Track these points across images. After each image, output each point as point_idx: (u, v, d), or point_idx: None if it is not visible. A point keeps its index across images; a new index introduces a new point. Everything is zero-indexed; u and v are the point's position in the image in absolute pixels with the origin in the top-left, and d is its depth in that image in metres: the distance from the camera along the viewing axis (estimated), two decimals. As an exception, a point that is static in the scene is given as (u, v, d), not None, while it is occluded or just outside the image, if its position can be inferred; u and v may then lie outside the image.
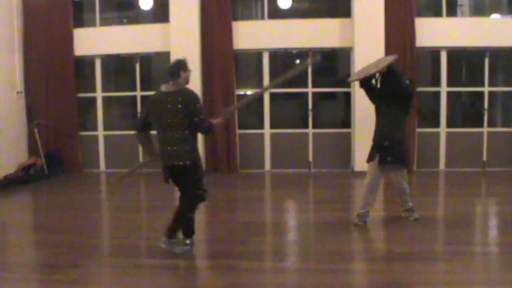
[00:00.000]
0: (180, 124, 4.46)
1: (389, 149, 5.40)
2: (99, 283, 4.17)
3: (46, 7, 9.60)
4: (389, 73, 5.35)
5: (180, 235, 4.74)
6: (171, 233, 4.71)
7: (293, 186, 8.45)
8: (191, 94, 4.55)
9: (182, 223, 4.65)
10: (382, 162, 5.44)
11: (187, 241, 4.67)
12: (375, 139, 5.57)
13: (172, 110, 4.45)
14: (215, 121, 4.69)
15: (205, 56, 9.34)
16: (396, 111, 5.43)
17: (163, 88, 4.58)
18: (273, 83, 5.61)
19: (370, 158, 5.57)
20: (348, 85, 9.27)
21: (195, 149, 4.59)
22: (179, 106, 4.43)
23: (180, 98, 4.45)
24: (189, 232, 4.69)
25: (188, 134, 4.50)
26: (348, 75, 8.92)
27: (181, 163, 4.49)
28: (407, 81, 5.42)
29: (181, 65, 4.60)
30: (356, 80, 5.84)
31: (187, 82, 4.63)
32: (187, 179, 4.59)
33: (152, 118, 4.62)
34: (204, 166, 4.64)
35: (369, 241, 5.42)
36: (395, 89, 5.35)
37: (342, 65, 10.07)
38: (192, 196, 4.62)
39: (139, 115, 4.69)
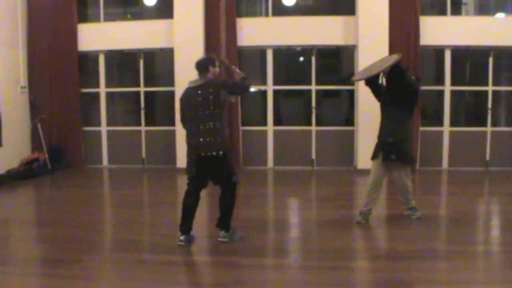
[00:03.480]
0: (212, 115, 4.57)
1: (393, 147, 5.39)
2: (101, 278, 4.18)
3: (50, 2, 9.59)
4: (394, 70, 5.32)
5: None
6: (224, 225, 4.90)
7: (295, 183, 8.44)
8: (219, 81, 4.71)
9: (230, 212, 4.86)
10: (386, 160, 5.43)
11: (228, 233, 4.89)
12: (380, 137, 5.56)
13: (203, 103, 4.56)
14: (240, 75, 4.87)
15: (209, 53, 9.31)
16: (401, 108, 5.42)
17: (191, 84, 4.68)
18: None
19: (374, 156, 5.56)
20: (351, 82, 9.26)
21: (226, 139, 4.72)
22: (211, 97, 4.55)
23: (211, 89, 4.57)
24: (228, 223, 4.89)
25: (219, 125, 4.61)
26: (352, 73, 8.90)
27: (214, 153, 4.60)
28: (413, 77, 5.41)
29: (211, 61, 4.73)
30: (359, 80, 5.82)
31: (215, 77, 4.72)
32: (222, 168, 4.71)
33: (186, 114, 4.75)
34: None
35: (371, 239, 5.42)
36: (401, 86, 5.33)
37: (346, 63, 10.04)
38: (230, 184, 4.80)
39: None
